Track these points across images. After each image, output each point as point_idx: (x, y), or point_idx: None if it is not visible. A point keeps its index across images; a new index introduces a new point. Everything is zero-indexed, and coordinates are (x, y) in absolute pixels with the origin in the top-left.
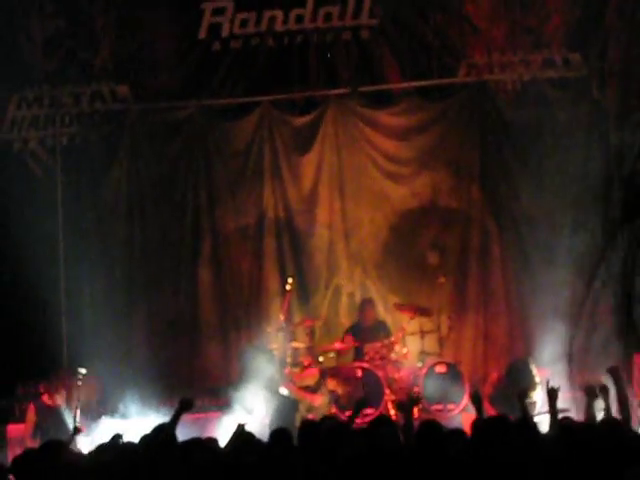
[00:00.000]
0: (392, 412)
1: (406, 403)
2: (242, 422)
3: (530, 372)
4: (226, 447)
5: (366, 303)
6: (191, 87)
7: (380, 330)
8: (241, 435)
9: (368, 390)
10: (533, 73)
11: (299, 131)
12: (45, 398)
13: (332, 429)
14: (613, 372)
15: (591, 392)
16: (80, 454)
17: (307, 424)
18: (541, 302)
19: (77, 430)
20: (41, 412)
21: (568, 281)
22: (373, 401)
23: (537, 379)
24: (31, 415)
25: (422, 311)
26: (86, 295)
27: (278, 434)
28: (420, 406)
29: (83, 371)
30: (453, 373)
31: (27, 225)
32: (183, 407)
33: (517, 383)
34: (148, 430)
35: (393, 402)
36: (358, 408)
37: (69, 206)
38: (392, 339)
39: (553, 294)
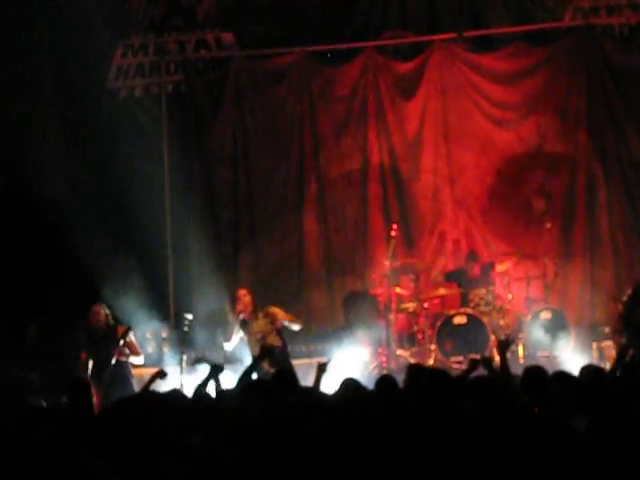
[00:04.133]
0: (497, 358)
1: (500, 346)
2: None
3: None
4: (334, 395)
5: (472, 259)
6: (295, 33)
7: (486, 275)
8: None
9: (473, 337)
10: None
11: (403, 76)
12: None
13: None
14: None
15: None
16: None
17: (415, 369)
18: None
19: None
20: None
21: None
22: (479, 347)
23: None
24: None
25: (528, 256)
26: (193, 241)
27: (384, 380)
28: (518, 349)
29: (190, 317)
30: (559, 319)
31: (134, 173)
32: (213, 373)
33: None
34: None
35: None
36: (472, 366)
37: (175, 153)
38: (496, 285)
39: None
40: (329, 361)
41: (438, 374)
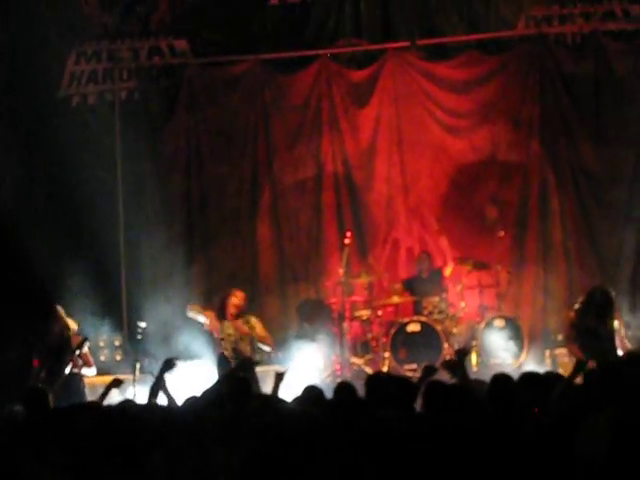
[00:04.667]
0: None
1: (457, 354)
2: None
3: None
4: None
5: (423, 255)
6: (249, 41)
7: (436, 281)
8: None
9: (427, 344)
10: (593, 25)
11: (357, 85)
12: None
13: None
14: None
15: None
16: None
17: (375, 377)
18: (600, 256)
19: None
20: None
21: (627, 236)
22: (431, 355)
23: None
24: None
25: (481, 265)
26: (145, 249)
27: (342, 387)
28: (471, 357)
29: (143, 325)
30: (512, 327)
31: (86, 180)
32: (165, 367)
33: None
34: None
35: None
36: (427, 373)
37: (128, 160)
38: (449, 293)
39: (612, 248)
40: (287, 370)
41: (400, 382)
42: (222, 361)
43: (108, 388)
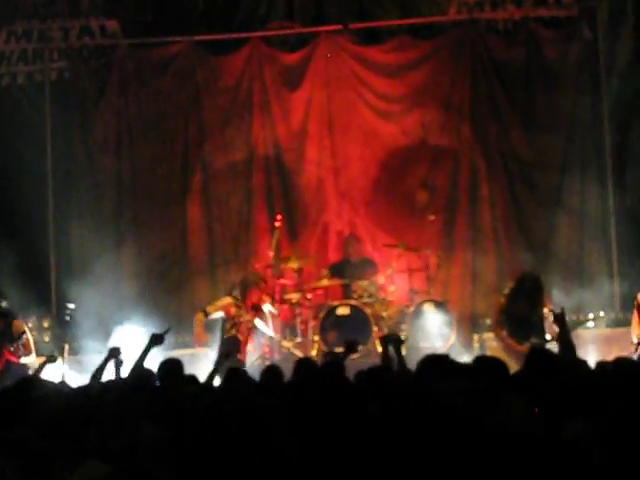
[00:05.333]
0: (379, 349)
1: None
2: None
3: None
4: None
5: (351, 239)
6: (180, 23)
7: (367, 267)
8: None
9: (356, 328)
10: (524, 12)
11: (289, 68)
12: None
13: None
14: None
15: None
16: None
17: (302, 361)
18: (530, 241)
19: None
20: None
21: (556, 221)
22: (361, 338)
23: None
24: None
25: (410, 249)
26: (75, 230)
27: (270, 371)
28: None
29: (72, 306)
30: (441, 311)
31: (15, 160)
32: (153, 342)
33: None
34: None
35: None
36: (349, 349)
37: (58, 141)
38: (379, 276)
39: (542, 233)
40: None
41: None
42: (234, 343)
43: (43, 365)
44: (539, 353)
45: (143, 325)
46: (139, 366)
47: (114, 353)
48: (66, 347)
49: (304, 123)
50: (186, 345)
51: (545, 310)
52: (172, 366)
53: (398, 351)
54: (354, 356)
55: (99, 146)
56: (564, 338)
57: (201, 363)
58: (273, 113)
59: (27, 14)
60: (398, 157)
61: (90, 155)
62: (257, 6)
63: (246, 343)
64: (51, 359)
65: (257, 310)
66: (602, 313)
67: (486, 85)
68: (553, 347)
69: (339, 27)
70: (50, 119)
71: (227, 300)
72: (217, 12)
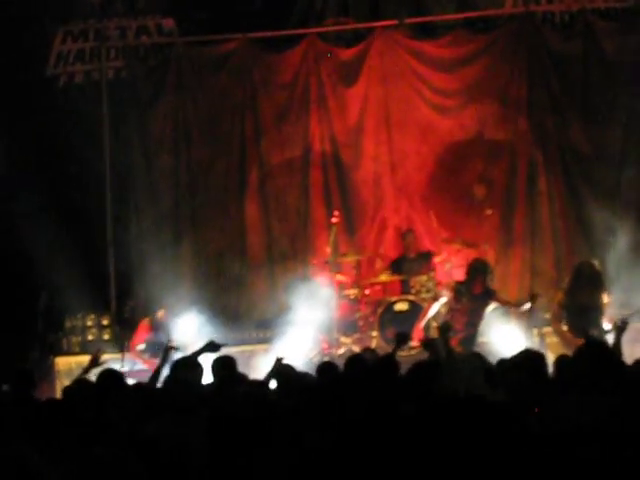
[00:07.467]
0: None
1: (440, 330)
2: (281, 357)
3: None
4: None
5: (408, 234)
6: (236, 20)
7: (423, 262)
8: (280, 370)
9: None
10: (581, 4)
11: (345, 63)
12: (160, 314)
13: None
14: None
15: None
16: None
17: (352, 357)
18: (588, 235)
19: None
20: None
21: (616, 215)
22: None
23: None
24: (143, 330)
25: (468, 244)
26: (133, 229)
27: (325, 367)
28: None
29: (131, 304)
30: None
31: (74, 160)
32: (208, 347)
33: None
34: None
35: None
36: (400, 342)
37: (115, 140)
38: (437, 272)
39: (600, 227)
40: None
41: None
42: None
43: (87, 369)
44: (594, 345)
45: (201, 322)
46: (188, 362)
47: (212, 348)
48: (126, 344)
49: (360, 119)
50: (244, 342)
51: (605, 298)
52: (225, 363)
53: (446, 341)
54: (406, 351)
55: (156, 144)
56: (615, 346)
57: (257, 361)
58: (329, 109)
59: (84, 14)
60: (455, 152)
61: (147, 153)
62: (312, 3)
63: None
64: (95, 364)
65: None
66: None
67: (543, 78)
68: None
69: (394, 22)
70: (107, 118)
71: None
72: (272, 9)
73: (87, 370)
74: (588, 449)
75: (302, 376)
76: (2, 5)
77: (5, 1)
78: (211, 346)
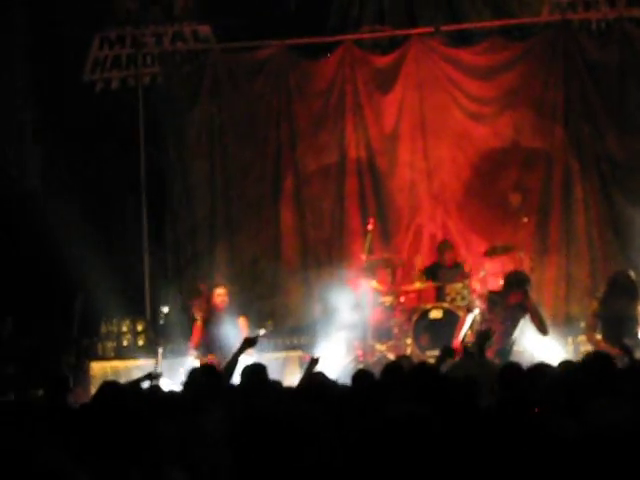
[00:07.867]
0: None
1: (478, 338)
2: (316, 357)
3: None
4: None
5: (444, 245)
6: (273, 26)
7: (458, 272)
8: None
9: (449, 331)
10: (618, 12)
11: (381, 70)
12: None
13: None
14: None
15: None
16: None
17: (391, 364)
18: (624, 244)
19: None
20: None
21: None
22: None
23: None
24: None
25: (504, 250)
26: (168, 234)
27: (361, 374)
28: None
29: (165, 310)
30: None
31: (110, 165)
32: (246, 345)
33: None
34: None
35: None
36: (445, 355)
37: (151, 146)
38: (473, 280)
39: (636, 237)
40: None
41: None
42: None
43: (142, 379)
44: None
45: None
46: (230, 369)
47: (250, 344)
48: (160, 350)
49: (396, 126)
50: (278, 348)
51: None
52: (255, 371)
53: (482, 347)
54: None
55: (192, 150)
56: None
57: (291, 367)
58: (365, 116)
59: (120, 20)
60: (490, 159)
61: (183, 159)
62: (348, 10)
63: None
64: (152, 377)
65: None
66: None
67: (579, 86)
68: None
69: (430, 29)
70: (143, 124)
71: None
72: (309, 16)
73: (138, 382)
74: (624, 451)
75: (332, 384)
76: (40, 12)
77: (43, 8)
78: (248, 342)
